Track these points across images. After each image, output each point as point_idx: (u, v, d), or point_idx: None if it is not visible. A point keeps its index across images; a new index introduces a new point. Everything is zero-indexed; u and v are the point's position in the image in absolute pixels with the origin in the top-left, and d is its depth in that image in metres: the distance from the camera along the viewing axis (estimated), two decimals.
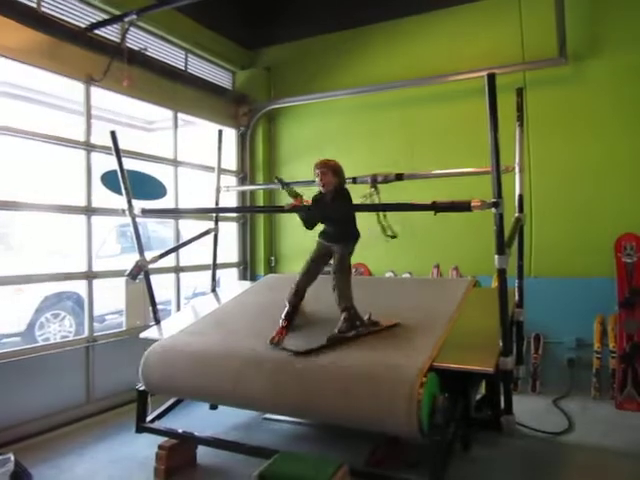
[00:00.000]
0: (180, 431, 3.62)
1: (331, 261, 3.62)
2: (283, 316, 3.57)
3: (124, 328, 4.96)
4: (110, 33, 4.85)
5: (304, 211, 3.46)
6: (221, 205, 5.20)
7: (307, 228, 3.54)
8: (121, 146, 4.28)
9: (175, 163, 5.72)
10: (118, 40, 4.84)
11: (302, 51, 6.47)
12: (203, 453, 3.65)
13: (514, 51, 5.31)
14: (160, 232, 7.75)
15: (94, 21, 4.65)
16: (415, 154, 5.76)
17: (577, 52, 5.09)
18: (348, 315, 3.40)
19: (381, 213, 3.58)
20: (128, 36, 4.90)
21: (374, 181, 4.08)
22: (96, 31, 4.68)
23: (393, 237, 3.58)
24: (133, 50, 5.01)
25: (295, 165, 6.44)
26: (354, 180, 4.31)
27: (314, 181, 3.55)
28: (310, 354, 3.15)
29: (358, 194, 3.82)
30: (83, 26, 4.59)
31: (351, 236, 3.59)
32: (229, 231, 6.60)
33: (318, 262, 3.65)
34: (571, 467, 3.48)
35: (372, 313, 3.50)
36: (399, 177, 4.23)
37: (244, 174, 6.72)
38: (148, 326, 4.37)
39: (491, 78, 2.85)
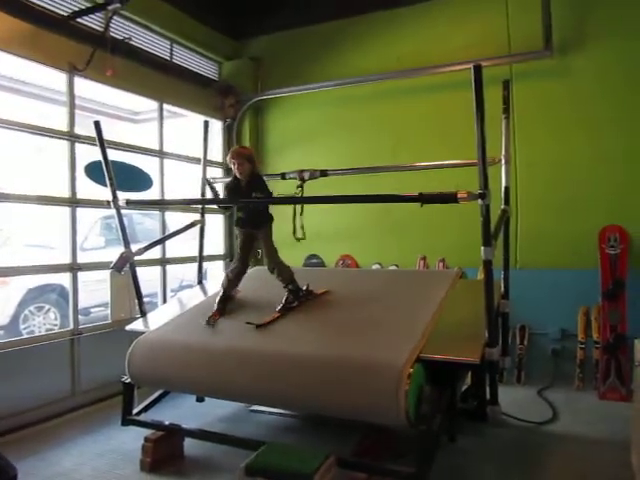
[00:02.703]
0: (166, 423, 3.61)
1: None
2: (217, 300, 3.87)
3: (109, 321, 4.92)
4: (93, 22, 4.77)
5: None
6: (207, 197, 5.16)
7: (224, 210, 4.04)
8: (106, 137, 4.23)
9: (161, 154, 5.66)
10: (101, 29, 4.76)
11: (289, 42, 6.42)
12: (190, 445, 3.63)
13: (500, 43, 5.31)
14: (146, 224, 7.69)
15: (77, 9, 4.56)
16: (402, 146, 5.76)
17: (563, 45, 5.11)
18: (293, 287, 3.81)
19: (297, 212, 3.92)
20: (112, 25, 4.82)
21: (301, 178, 4.26)
22: (79, 20, 4.59)
23: (299, 239, 3.99)
24: (117, 39, 4.94)
25: (282, 157, 6.42)
26: (282, 176, 4.47)
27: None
28: (268, 325, 3.50)
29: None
30: (65, 14, 4.50)
31: (270, 219, 3.88)
32: (215, 223, 6.56)
33: (246, 250, 3.94)
34: (555, 456, 3.52)
35: (309, 284, 3.88)
36: (323, 173, 4.37)
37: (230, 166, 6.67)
38: (134, 319, 4.34)
39: (477, 69, 2.85)
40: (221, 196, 4.25)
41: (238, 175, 3.74)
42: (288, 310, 3.69)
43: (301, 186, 4.20)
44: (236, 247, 3.98)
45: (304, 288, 3.86)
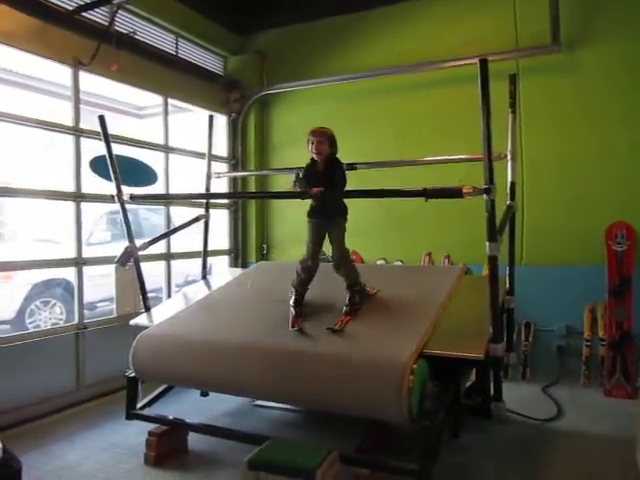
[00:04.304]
0: (170, 418, 3.62)
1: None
2: (292, 304, 3.56)
3: (115, 315, 4.93)
4: (98, 16, 4.76)
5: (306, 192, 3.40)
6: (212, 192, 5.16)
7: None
8: (111, 132, 4.23)
9: (166, 149, 5.66)
10: (106, 23, 4.75)
11: (294, 37, 6.39)
12: (194, 439, 3.64)
13: (508, 38, 5.27)
14: (152, 219, 7.70)
15: (82, 3, 4.55)
16: (408, 141, 5.74)
17: (571, 39, 5.06)
18: (360, 288, 3.58)
19: None
20: (117, 19, 4.81)
21: None
22: (84, 14, 4.58)
23: None
24: (122, 34, 4.92)
25: (287, 152, 6.40)
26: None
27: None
28: (338, 331, 3.27)
29: None
30: (71, 8, 4.50)
31: (345, 210, 3.56)
32: (221, 218, 6.57)
33: (318, 244, 3.59)
34: (560, 453, 3.51)
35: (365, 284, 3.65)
36: (351, 167, 4.24)
37: (236, 161, 6.68)
38: (139, 313, 4.35)
39: (483, 63, 2.82)
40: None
41: (315, 155, 3.44)
42: (356, 312, 3.46)
43: None
44: (307, 240, 3.57)
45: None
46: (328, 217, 3.52)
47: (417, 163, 4.88)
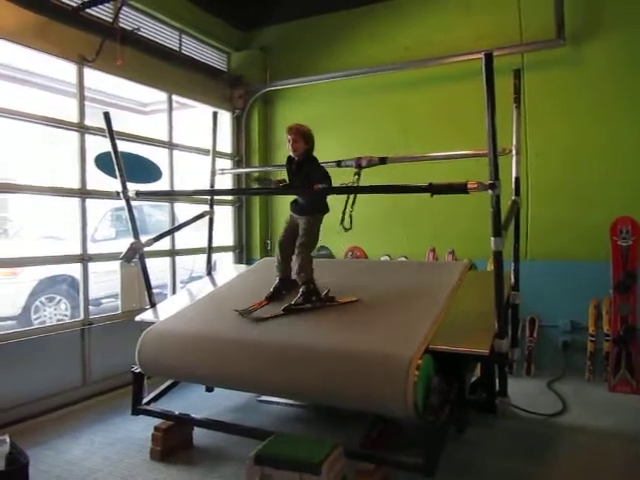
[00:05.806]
0: (176, 413, 3.63)
1: None
2: (271, 288, 3.73)
3: (120, 311, 4.95)
4: (102, 12, 4.77)
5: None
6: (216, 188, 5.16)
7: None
8: (116, 128, 4.24)
9: (170, 146, 5.67)
10: (110, 20, 4.76)
11: (298, 32, 6.39)
12: (199, 435, 3.66)
13: (512, 33, 5.25)
14: (157, 216, 7.72)
15: (86, 0, 4.56)
16: (411, 137, 5.73)
17: (575, 33, 5.04)
18: (306, 289, 3.53)
19: (350, 201, 3.61)
20: (121, 16, 4.81)
21: (358, 165, 4.06)
22: (88, 10, 4.59)
23: (346, 230, 3.63)
24: (126, 30, 4.93)
25: None
26: (338, 163, 4.30)
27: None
28: (265, 320, 3.41)
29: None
30: (75, 5, 4.51)
31: (317, 210, 3.59)
32: (225, 215, 6.58)
33: (290, 236, 3.69)
34: (565, 448, 3.51)
35: (330, 289, 3.59)
36: (382, 161, 4.19)
37: (240, 157, 6.68)
38: (144, 309, 4.36)
39: (488, 58, 2.80)
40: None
41: (292, 153, 3.56)
42: (293, 311, 3.49)
43: (358, 172, 3.95)
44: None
45: (323, 293, 3.57)
46: (298, 212, 3.63)
47: (422, 159, 4.87)
